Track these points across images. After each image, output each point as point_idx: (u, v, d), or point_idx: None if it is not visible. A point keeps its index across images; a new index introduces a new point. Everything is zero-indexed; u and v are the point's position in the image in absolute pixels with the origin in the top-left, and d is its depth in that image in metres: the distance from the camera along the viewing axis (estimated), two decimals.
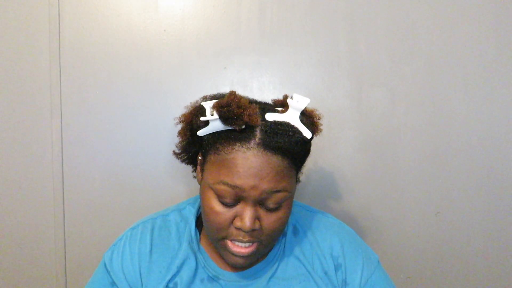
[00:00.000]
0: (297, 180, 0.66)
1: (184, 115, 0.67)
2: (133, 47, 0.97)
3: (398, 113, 0.97)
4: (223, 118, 0.56)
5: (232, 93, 0.58)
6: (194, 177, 0.71)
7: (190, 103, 0.68)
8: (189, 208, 0.75)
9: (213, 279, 0.68)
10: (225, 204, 0.60)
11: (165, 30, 0.97)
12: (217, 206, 0.60)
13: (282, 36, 0.97)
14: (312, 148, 0.64)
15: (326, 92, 0.98)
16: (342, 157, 0.98)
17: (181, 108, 0.97)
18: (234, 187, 0.57)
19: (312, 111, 0.65)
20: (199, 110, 0.63)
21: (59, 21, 0.97)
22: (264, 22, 0.97)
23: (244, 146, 0.57)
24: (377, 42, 0.97)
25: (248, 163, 0.56)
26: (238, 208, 0.60)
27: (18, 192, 0.99)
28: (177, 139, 0.69)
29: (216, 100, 0.59)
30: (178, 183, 0.98)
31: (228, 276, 0.68)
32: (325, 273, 0.69)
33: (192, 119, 0.64)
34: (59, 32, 0.97)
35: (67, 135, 0.98)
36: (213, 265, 0.69)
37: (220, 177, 0.58)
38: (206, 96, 0.69)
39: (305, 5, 0.97)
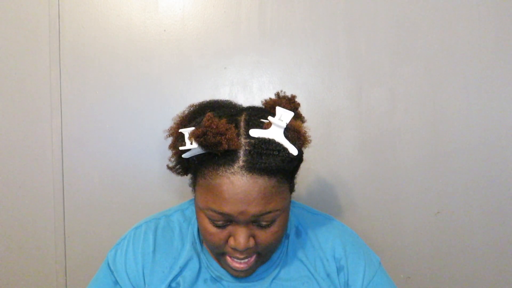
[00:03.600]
0: (292, 190, 0.64)
1: (172, 128, 0.66)
2: (133, 47, 0.97)
3: (398, 113, 0.97)
4: (202, 146, 0.55)
5: (209, 118, 0.54)
6: (190, 185, 0.69)
7: (177, 114, 0.67)
8: (192, 208, 0.75)
9: (216, 279, 0.68)
10: (218, 226, 0.59)
11: (165, 30, 0.97)
12: (210, 227, 0.60)
13: (282, 36, 0.97)
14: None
15: (326, 92, 0.98)
16: (342, 157, 0.98)
17: (181, 108, 0.97)
18: (222, 214, 0.56)
19: (298, 124, 0.60)
20: (179, 136, 0.61)
21: (59, 21, 0.97)
22: (264, 22, 0.97)
23: (228, 170, 0.55)
24: (377, 42, 0.97)
25: (234, 188, 0.54)
26: (231, 228, 0.59)
27: (18, 192, 0.99)
28: None
29: (192, 129, 0.57)
30: (178, 183, 0.98)
31: (231, 277, 0.68)
32: (328, 275, 0.70)
33: (176, 140, 0.63)
34: (59, 32, 0.97)
35: (67, 135, 0.98)
36: (216, 266, 0.69)
37: (208, 203, 0.57)
38: (193, 104, 0.68)
39: (305, 5, 0.97)
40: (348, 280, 0.70)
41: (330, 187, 0.99)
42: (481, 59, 0.96)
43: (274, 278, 0.69)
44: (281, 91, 0.66)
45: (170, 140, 0.68)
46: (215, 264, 0.69)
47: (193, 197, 0.79)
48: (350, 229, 0.76)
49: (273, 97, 0.66)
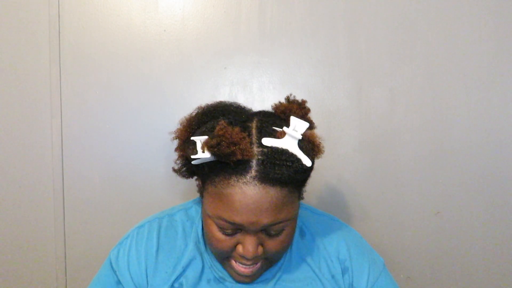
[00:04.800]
0: (300, 198, 0.63)
1: (179, 131, 0.65)
2: (133, 47, 0.97)
3: (398, 113, 0.97)
4: (215, 156, 0.53)
5: (222, 128, 0.53)
6: (197, 185, 0.69)
7: (185, 117, 0.66)
8: (196, 207, 0.74)
9: (219, 280, 0.68)
10: (226, 234, 0.59)
11: (165, 30, 0.97)
12: (219, 235, 0.59)
13: (282, 36, 0.97)
14: None
15: (326, 92, 0.98)
16: (342, 157, 0.98)
17: (181, 108, 0.97)
18: (233, 223, 0.56)
19: (312, 134, 0.59)
20: (190, 142, 0.60)
21: (59, 21, 0.97)
22: (264, 22, 0.97)
23: (240, 180, 0.54)
24: (377, 42, 0.97)
25: (246, 199, 0.54)
26: (239, 236, 0.59)
27: (18, 192, 0.99)
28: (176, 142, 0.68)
29: (206, 137, 0.55)
30: (178, 183, 0.98)
31: None
32: (332, 276, 0.69)
33: (184, 144, 0.62)
34: (59, 32, 0.97)
35: (67, 135, 0.98)
36: (220, 267, 0.68)
37: (218, 212, 0.57)
38: (201, 106, 0.67)
39: (305, 5, 0.97)
40: (352, 281, 0.70)
41: (330, 187, 0.99)
42: (481, 59, 0.96)
43: (278, 279, 0.68)
44: (291, 94, 0.65)
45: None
46: (218, 264, 0.69)
47: (196, 197, 0.80)
48: (354, 230, 0.76)
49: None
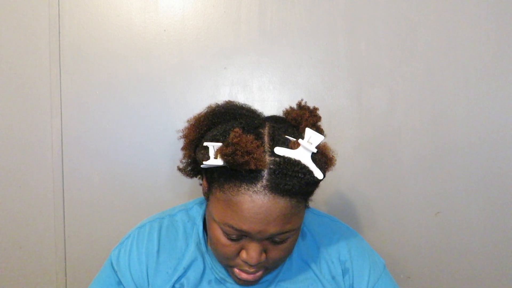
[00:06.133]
0: (306, 207, 0.63)
1: (187, 129, 0.64)
2: (133, 47, 0.97)
3: (398, 113, 0.97)
4: (228, 164, 0.53)
5: (237, 136, 0.52)
6: (200, 184, 0.68)
7: (193, 116, 0.65)
8: (197, 208, 0.74)
9: (220, 281, 0.68)
10: (231, 239, 0.59)
11: (165, 30, 0.97)
12: (223, 239, 0.59)
13: (282, 36, 0.97)
14: None
15: (326, 92, 0.98)
16: (342, 157, 0.97)
17: (181, 108, 0.97)
18: (239, 230, 0.56)
19: (326, 147, 0.58)
20: (202, 146, 0.60)
21: (59, 21, 0.97)
22: (264, 22, 0.97)
23: (250, 189, 0.53)
24: (377, 42, 0.97)
25: (255, 208, 0.53)
26: (244, 241, 0.59)
27: (18, 192, 0.99)
28: (176, 141, 0.68)
29: (220, 144, 0.54)
30: (178, 183, 0.98)
31: None
32: (333, 277, 0.69)
33: (193, 142, 0.62)
34: (59, 32, 0.97)
35: (67, 135, 0.98)
36: (221, 268, 0.68)
37: (225, 219, 0.56)
38: (211, 105, 0.66)
39: (305, 5, 0.97)
40: (353, 283, 0.70)
41: (330, 187, 0.99)
42: (481, 59, 0.96)
43: (279, 281, 0.68)
44: (302, 100, 0.65)
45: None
46: (219, 265, 0.69)
47: (196, 197, 0.79)
48: (354, 231, 0.76)
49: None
